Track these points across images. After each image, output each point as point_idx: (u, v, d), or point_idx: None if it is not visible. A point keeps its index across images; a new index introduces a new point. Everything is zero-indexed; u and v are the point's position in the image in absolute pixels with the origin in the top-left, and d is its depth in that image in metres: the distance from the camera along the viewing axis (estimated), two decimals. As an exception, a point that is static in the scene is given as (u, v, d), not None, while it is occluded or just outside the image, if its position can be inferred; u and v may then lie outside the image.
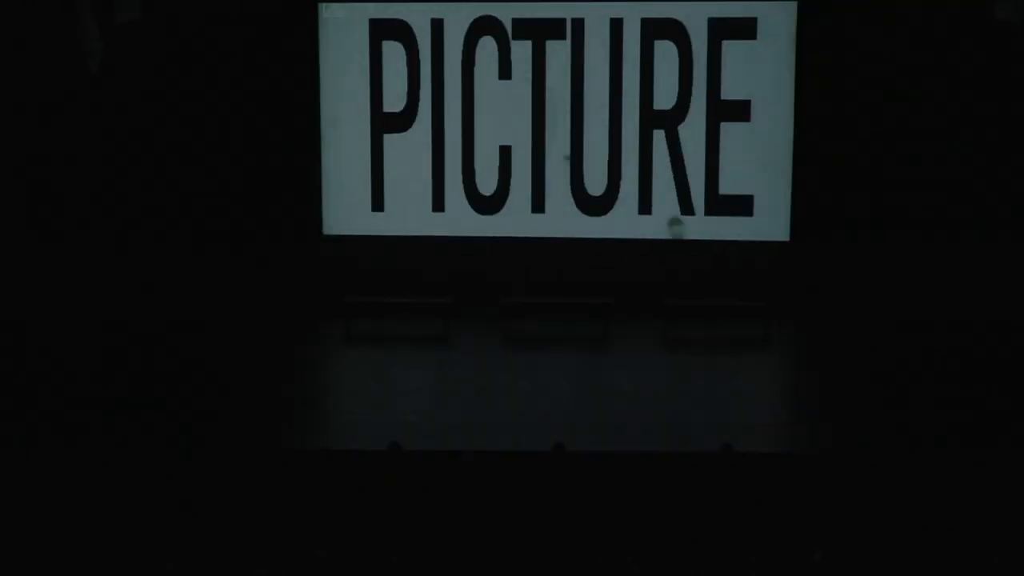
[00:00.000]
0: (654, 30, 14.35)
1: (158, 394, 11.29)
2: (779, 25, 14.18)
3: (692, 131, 14.44)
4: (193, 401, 11.23)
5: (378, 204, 14.86)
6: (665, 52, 14.38)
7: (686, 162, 14.46)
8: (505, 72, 14.58)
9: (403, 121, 14.75)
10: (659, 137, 14.49)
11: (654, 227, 14.60)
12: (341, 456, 9.41)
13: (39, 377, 11.27)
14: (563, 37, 14.47)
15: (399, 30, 14.61)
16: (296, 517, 8.28)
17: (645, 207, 14.58)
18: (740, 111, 14.34)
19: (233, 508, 8.44)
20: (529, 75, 14.54)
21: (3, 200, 13.22)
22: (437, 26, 14.59)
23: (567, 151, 14.50)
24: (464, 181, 14.81)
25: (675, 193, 14.49)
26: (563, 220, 14.75)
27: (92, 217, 13.37)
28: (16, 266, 12.61)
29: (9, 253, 12.77)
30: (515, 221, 14.81)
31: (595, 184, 14.66)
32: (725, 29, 14.23)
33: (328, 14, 14.68)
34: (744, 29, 14.21)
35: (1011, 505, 8.22)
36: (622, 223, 14.65)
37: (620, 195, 14.60)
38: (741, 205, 14.40)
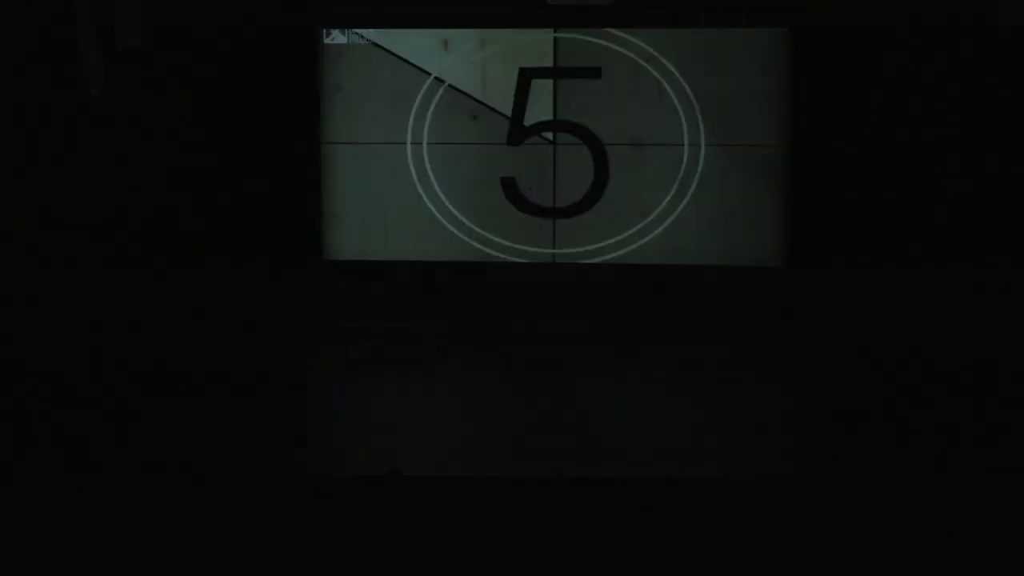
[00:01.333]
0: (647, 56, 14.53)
1: (153, 418, 11.30)
2: (770, 51, 14.34)
3: (688, 156, 14.61)
4: (189, 425, 11.24)
5: (379, 229, 14.94)
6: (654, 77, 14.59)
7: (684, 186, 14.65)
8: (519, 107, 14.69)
9: (404, 147, 14.86)
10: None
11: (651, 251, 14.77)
12: (339, 481, 9.39)
13: (32, 397, 11.25)
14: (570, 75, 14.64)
15: (401, 55, 14.75)
16: (293, 543, 8.25)
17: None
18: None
19: (229, 534, 8.41)
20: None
21: (2, 222, 13.24)
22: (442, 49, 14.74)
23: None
24: (465, 206, 14.90)
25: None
26: (563, 244, 14.86)
27: (90, 239, 13.37)
28: (13, 288, 12.60)
29: (7, 275, 12.76)
30: (515, 246, 14.90)
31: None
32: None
33: (329, 39, 14.77)
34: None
35: (1007, 530, 8.21)
36: (621, 247, 14.81)
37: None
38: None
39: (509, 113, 14.64)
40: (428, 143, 14.83)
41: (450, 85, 14.66)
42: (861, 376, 12.74)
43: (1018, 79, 13.13)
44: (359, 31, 14.70)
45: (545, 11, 14.15)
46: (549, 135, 14.71)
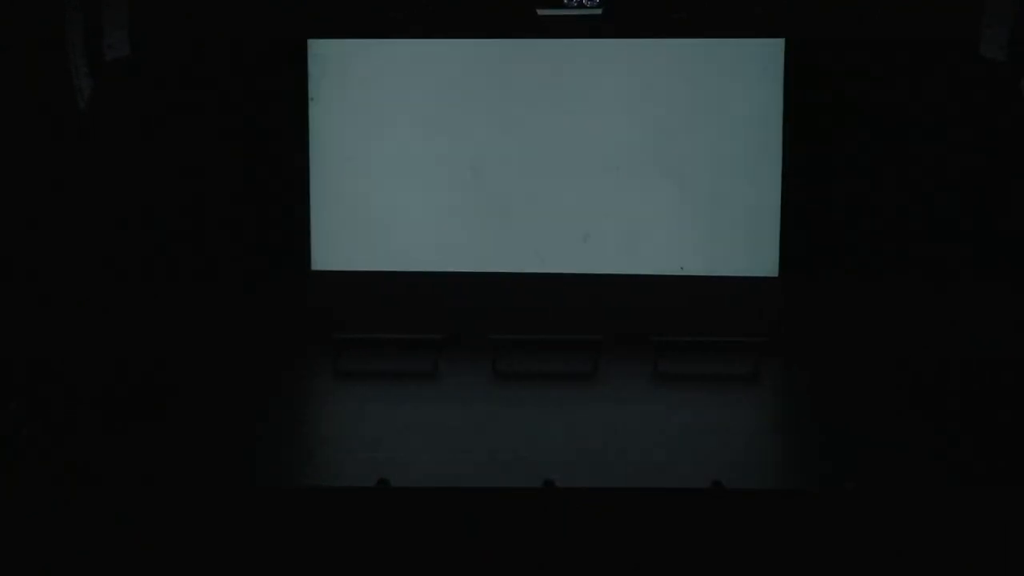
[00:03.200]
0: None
1: (142, 430, 11.23)
2: (766, 61, 14.33)
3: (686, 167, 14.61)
4: (178, 437, 11.18)
5: (367, 239, 14.88)
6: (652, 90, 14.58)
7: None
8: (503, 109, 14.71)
9: (391, 157, 14.82)
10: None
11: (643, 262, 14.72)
12: (328, 493, 9.34)
13: (22, 405, 11.22)
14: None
15: (389, 65, 14.73)
16: (282, 556, 8.20)
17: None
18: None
19: (217, 547, 8.35)
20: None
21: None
22: (429, 61, 14.72)
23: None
24: (454, 216, 14.86)
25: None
26: (555, 254, 14.83)
27: (79, 252, 13.32)
28: (5, 302, 12.56)
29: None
30: (505, 256, 14.85)
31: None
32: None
33: (318, 50, 14.74)
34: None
35: (1012, 541, 8.18)
36: (612, 258, 14.76)
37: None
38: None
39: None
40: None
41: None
42: (858, 383, 12.76)
43: (1005, 92, 13.19)
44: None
45: (534, 21, 14.16)
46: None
